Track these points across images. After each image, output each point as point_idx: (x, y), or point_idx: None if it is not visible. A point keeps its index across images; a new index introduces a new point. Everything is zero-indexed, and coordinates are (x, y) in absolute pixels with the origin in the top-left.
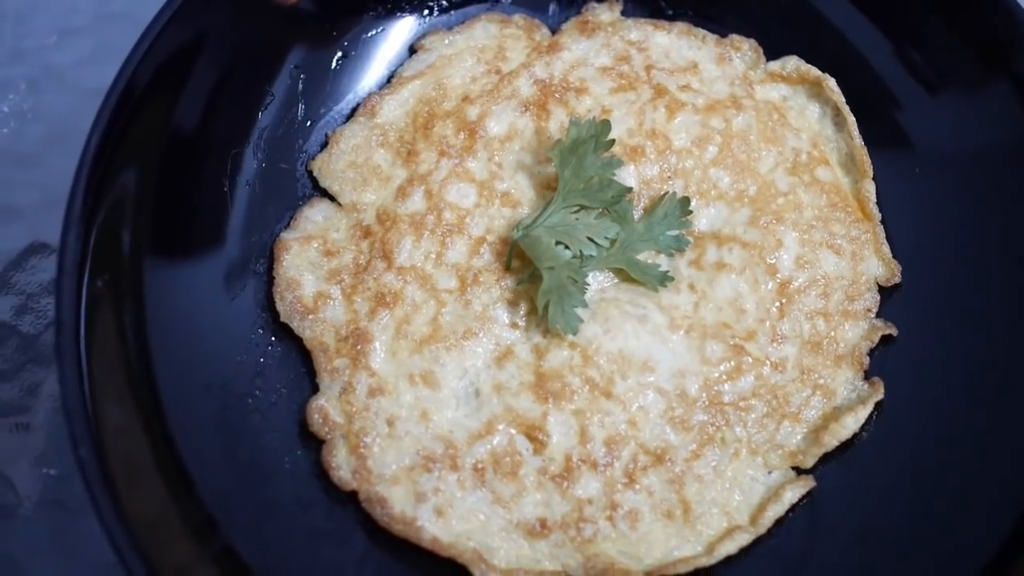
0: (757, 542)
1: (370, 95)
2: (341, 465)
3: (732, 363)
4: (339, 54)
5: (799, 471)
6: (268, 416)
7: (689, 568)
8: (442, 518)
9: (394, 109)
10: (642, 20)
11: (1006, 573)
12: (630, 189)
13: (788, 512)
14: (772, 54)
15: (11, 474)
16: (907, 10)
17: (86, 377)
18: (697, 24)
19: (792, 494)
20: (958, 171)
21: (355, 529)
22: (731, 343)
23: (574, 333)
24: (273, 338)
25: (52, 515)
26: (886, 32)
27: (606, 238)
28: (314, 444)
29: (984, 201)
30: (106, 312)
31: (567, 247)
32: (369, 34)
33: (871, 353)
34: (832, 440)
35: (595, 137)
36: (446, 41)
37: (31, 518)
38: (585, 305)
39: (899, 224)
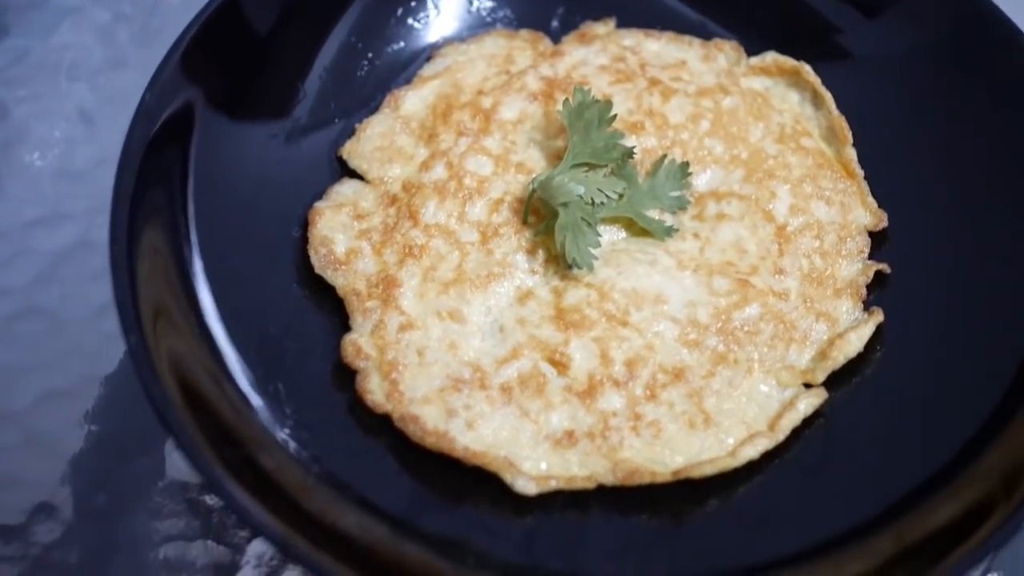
0: (776, 453)
1: (393, 90)
2: (375, 390)
3: (739, 294)
4: (364, 62)
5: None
6: (300, 358)
7: (715, 469)
8: (472, 430)
9: (416, 103)
10: (634, 29)
11: (999, 464)
12: (633, 147)
13: (803, 428)
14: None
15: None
16: None
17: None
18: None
19: (806, 405)
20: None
21: (387, 454)
22: (736, 277)
23: (589, 268)
24: (307, 291)
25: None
26: None
27: (614, 191)
28: (346, 383)
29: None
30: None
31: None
32: (391, 48)
33: (868, 289)
34: (839, 355)
35: (598, 108)
36: (460, 49)
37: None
38: (598, 244)
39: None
